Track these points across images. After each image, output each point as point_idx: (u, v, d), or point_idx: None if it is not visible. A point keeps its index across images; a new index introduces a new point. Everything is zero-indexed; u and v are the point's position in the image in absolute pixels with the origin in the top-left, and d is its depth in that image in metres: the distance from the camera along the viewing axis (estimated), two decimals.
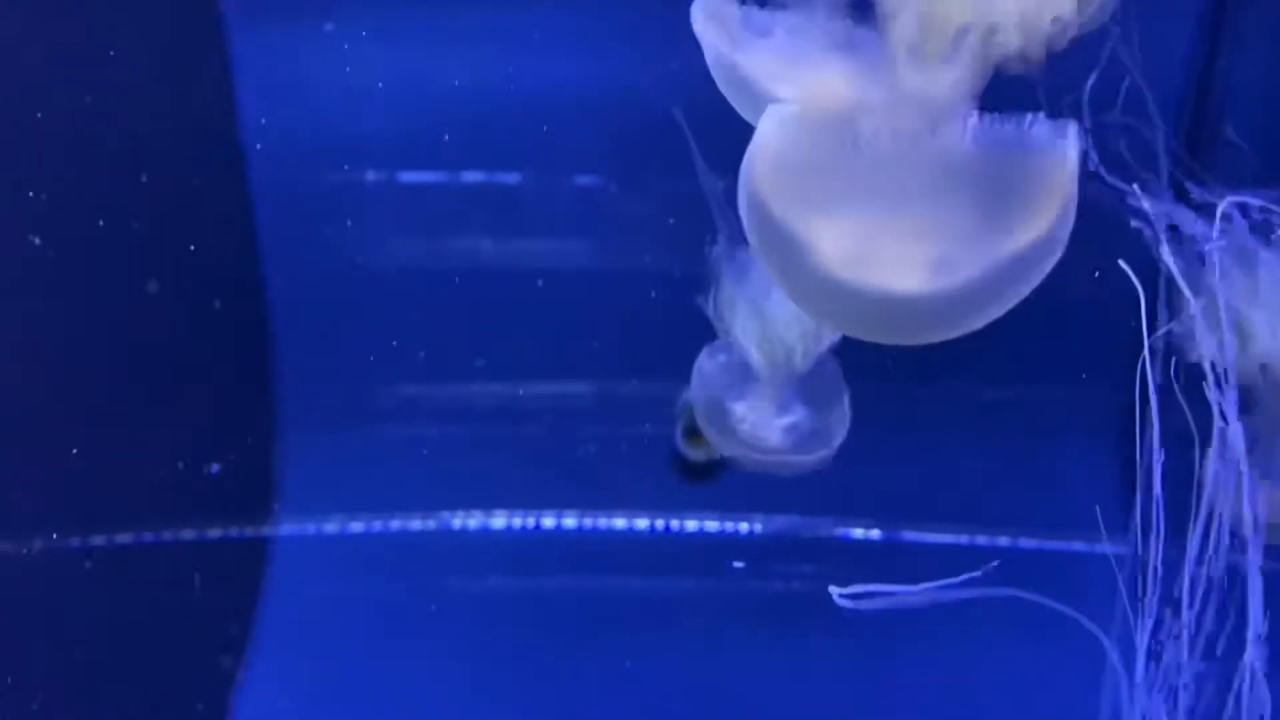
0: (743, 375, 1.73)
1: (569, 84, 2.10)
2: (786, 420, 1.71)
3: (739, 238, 1.61)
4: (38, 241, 1.93)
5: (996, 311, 1.26)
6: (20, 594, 1.94)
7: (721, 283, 1.67)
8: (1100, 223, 2.13)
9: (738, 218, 1.57)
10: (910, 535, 2.29)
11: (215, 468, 2.20)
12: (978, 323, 1.26)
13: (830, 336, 1.67)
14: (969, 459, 2.18)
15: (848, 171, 1.20)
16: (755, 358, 1.67)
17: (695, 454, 2.25)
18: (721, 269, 1.67)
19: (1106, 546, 1.78)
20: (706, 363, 1.77)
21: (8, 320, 1.91)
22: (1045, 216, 1.19)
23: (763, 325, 1.64)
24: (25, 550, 1.98)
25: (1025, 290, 1.26)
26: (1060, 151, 1.19)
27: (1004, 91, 1.29)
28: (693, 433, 2.25)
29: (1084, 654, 2.02)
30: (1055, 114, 1.23)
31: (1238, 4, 2.03)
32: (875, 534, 2.29)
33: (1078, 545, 2.20)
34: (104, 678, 1.98)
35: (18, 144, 1.88)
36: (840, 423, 1.72)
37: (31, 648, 1.90)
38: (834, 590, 1.73)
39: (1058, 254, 1.23)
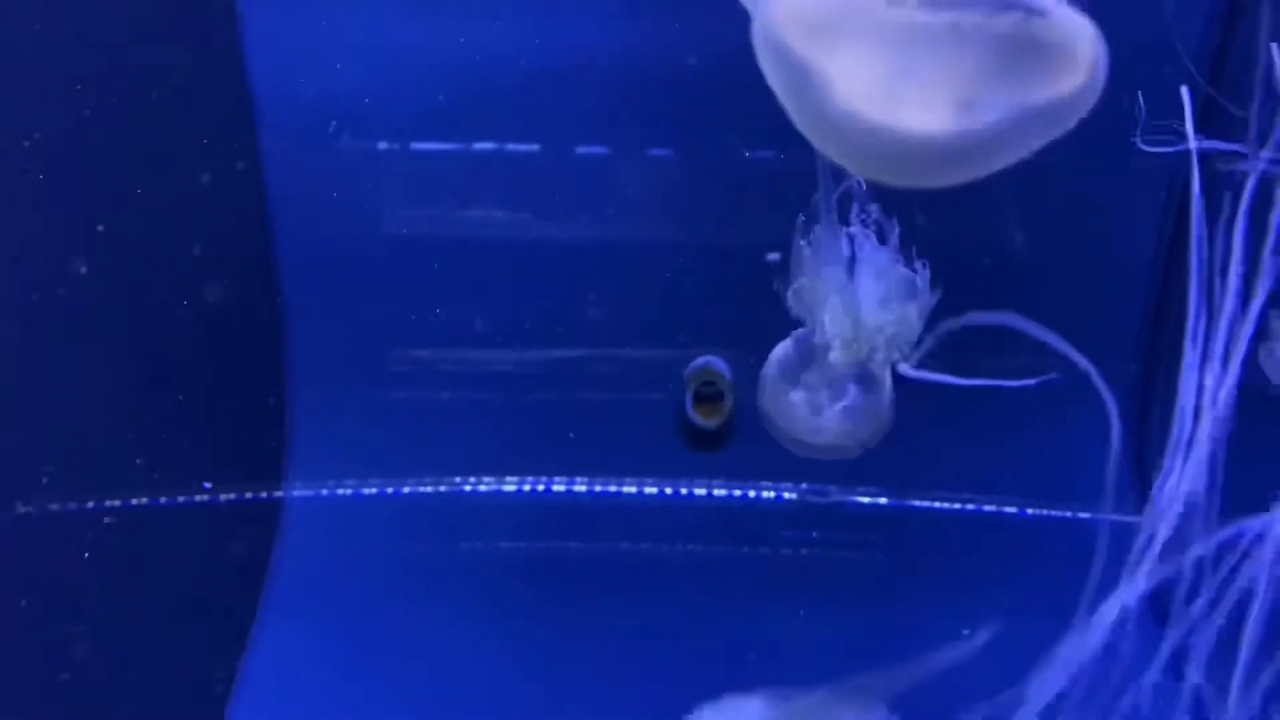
0: (801, 362, 1.71)
1: (583, 51, 2.10)
2: (843, 403, 1.69)
3: (828, 223, 1.60)
4: (44, 206, 1.94)
5: (1016, 158, 1.28)
6: (36, 555, 1.96)
7: (805, 271, 1.63)
8: (1111, 190, 2.13)
9: (828, 194, 1.56)
10: (918, 503, 2.30)
11: (208, 485, 2.21)
12: (994, 168, 1.28)
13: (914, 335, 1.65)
14: (977, 427, 2.18)
15: (869, 17, 1.22)
16: (836, 353, 1.63)
17: (704, 421, 2.26)
18: (806, 257, 1.62)
19: (1113, 515, 1.79)
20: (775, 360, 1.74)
21: (16, 283, 1.92)
22: (1072, 76, 1.21)
23: (853, 326, 1.61)
24: (41, 512, 1.99)
25: (1044, 140, 1.27)
26: (1080, 24, 1.22)
27: None
28: (702, 399, 2.26)
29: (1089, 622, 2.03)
30: None
31: None
32: (883, 501, 2.29)
33: (1084, 514, 2.21)
34: (116, 638, 2.00)
35: (21, 109, 1.89)
36: (888, 399, 1.69)
37: (46, 608, 1.92)
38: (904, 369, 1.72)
39: (1080, 112, 1.25)
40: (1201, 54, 1.99)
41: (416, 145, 2.17)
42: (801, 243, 1.62)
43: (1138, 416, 2.14)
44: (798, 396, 1.71)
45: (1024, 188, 1.98)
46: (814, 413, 1.71)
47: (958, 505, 2.28)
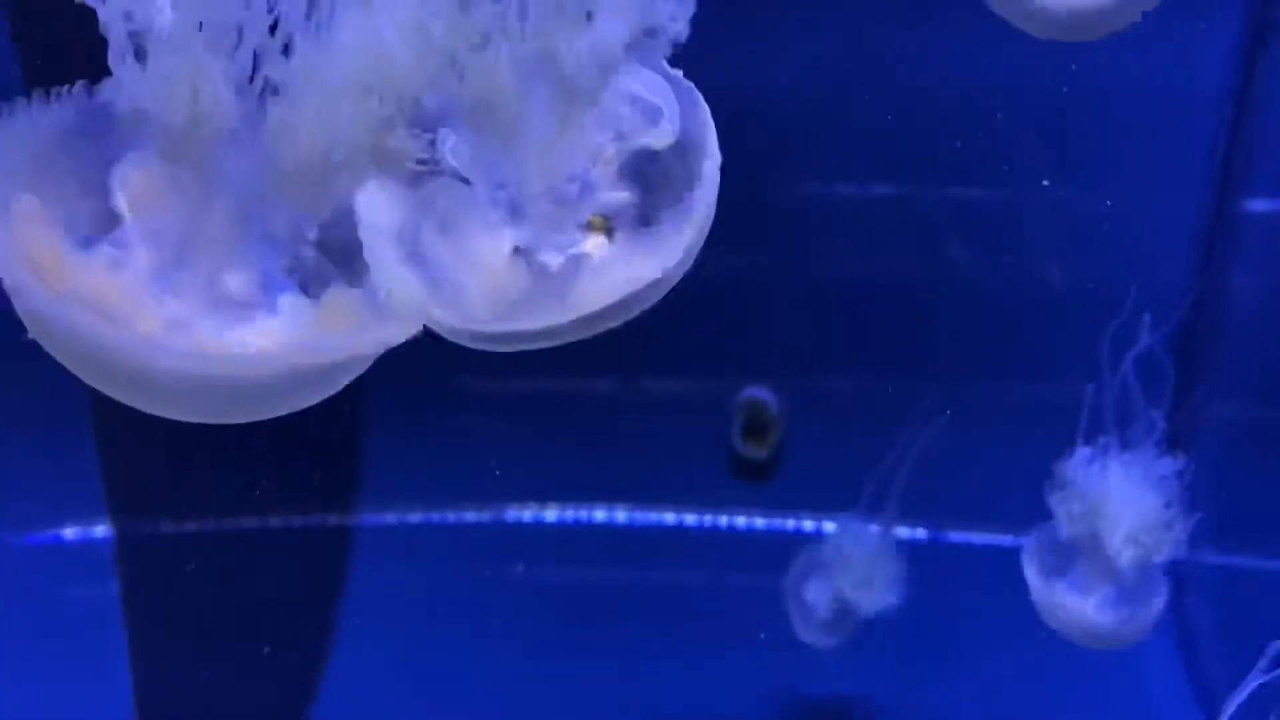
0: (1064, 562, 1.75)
1: None
2: (1103, 595, 1.73)
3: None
4: None
5: None
6: (137, 575, 2.00)
7: (1082, 480, 1.69)
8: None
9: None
10: (956, 536, 2.33)
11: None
12: None
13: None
14: (1020, 460, 2.22)
15: None
16: (1121, 552, 1.67)
17: (752, 452, 2.28)
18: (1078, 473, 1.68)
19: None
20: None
21: None
22: None
23: (1140, 520, 1.66)
24: (141, 536, 2.03)
25: None
26: None
27: None
28: (750, 431, 2.28)
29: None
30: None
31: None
32: (921, 534, 2.33)
33: None
34: (203, 656, 2.05)
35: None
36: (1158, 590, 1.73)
37: (146, 624, 1.97)
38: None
39: None
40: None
41: None
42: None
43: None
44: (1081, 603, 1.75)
45: None
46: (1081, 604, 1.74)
47: (995, 538, 2.29)
